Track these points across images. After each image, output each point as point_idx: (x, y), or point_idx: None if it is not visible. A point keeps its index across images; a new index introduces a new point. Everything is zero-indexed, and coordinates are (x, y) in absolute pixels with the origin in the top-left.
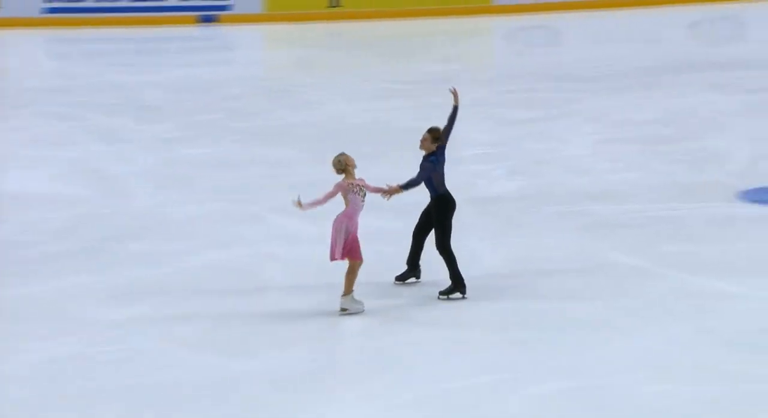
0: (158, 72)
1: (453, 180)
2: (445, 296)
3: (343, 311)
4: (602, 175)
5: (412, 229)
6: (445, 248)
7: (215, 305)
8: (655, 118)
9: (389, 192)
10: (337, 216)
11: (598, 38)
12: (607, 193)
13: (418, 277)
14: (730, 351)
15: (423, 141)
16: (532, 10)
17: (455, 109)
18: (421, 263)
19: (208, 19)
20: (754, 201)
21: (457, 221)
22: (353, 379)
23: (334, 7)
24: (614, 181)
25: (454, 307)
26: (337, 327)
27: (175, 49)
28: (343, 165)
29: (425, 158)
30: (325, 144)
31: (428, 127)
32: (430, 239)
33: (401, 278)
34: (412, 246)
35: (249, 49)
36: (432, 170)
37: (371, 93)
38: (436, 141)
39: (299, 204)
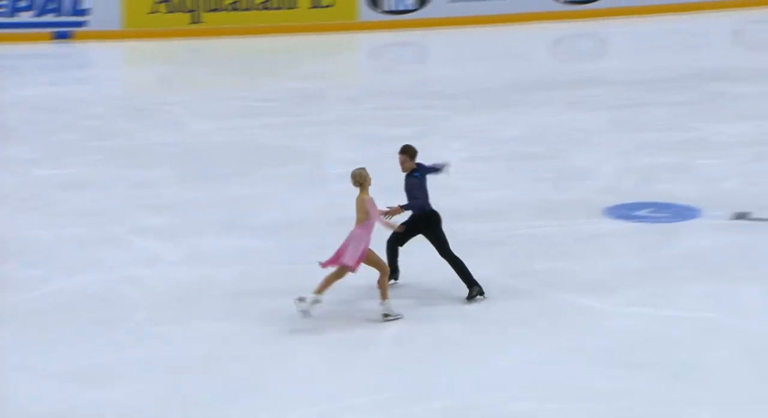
0: (13, 91)
1: (319, 200)
2: (472, 298)
3: (387, 316)
4: (470, 194)
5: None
6: (449, 256)
7: (76, 332)
8: (521, 136)
9: (390, 213)
10: (357, 230)
11: (465, 55)
12: (476, 211)
13: (396, 278)
14: (597, 368)
15: (402, 163)
16: (398, 26)
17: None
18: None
19: (63, 36)
20: (620, 217)
21: (323, 241)
22: (218, 402)
23: (196, 23)
24: (482, 199)
25: (328, 327)
26: (195, 353)
27: (30, 67)
28: (362, 179)
29: (409, 176)
30: (188, 163)
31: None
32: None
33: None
34: (388, 254)
35: (108, 66)
36: (419, 186)
37: (235, 111)
38: (414, 157)
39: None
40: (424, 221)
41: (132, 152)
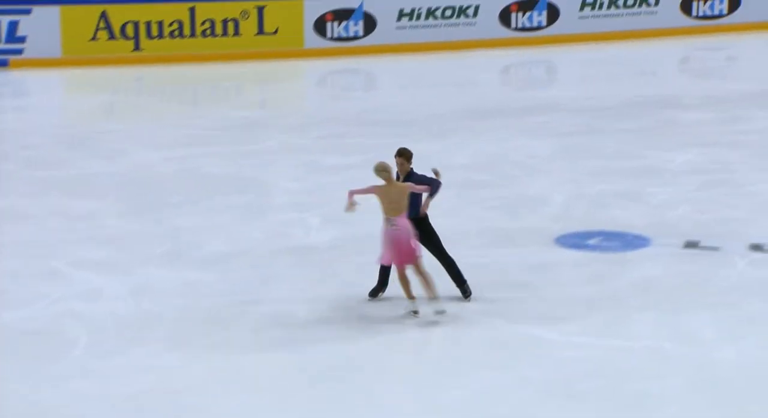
0: None
1: (266, 230)
2: (469, 295)
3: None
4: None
5: None
6: (444, 256)
7: (16, 368)
8: (470, 163)
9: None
10: (405, 221)
11: (413, 82)
12: None
13: (384, 292)
14: (548, 399)
15: (400, 166)
16: (345, 53)
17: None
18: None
19: None
20: (571, 246)
21: (271, 271)
22: None
23: (137, 50)
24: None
25: (269, 359)
26: (138, 387)
27: None
28: (389, 170)
29: (410, 177)
30: (130, 194)
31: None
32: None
33: (373, 294)
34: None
35: (47, 95)
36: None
37: (179, 139)
38: (410, 160)
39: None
40: (421, 225)
41: (72, 183)
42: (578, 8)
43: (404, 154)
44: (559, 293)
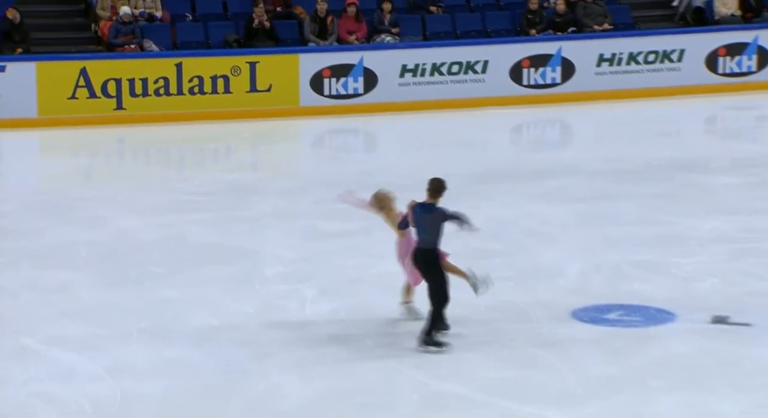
0: None
1: (256, 303)
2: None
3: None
4: (423, 295)
5: None
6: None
7: None
8: (480, 231)
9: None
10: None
11: (416, 143)
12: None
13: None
14: None
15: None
16: (343, 112)
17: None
18: None
19: None
20: (588, 321)
21: (262, 348)
22: None
23: (119, 109)
24: None
25: None
26: None
27: None
28: (386, 201)
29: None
30: (108, 264)
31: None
32: None
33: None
34: None
35: (19, 158)
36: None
37: (163, 205)
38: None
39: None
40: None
41: (45, 253)
42: (595, 63)
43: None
44: (576, 371)
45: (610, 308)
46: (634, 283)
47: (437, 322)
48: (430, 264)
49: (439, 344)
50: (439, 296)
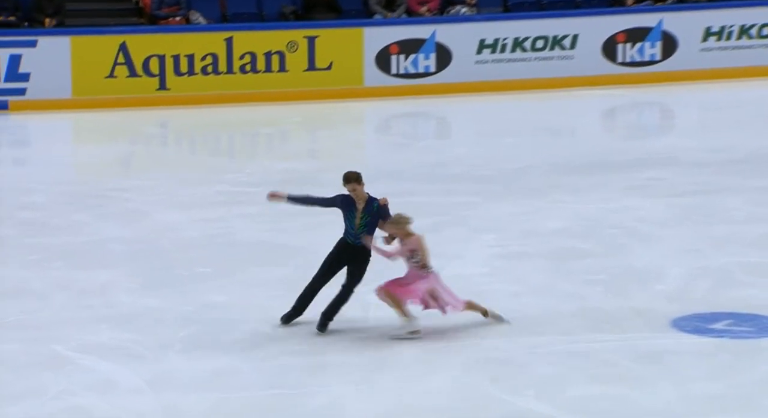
0: None
1: (311, 309)
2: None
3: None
4: (501, 300)
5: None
6: (350, 291)
7: None
8: (567, 228)
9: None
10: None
11: (495, 129)
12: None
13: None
14: None
15: (353, 191)
16: (413, 93)
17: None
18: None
19: None
20: (690, 331)
21: (319, 358)
22: None
23: (162, 90)
24: (517, 307)
25: None
26: None
27: None
28: (404, 223)
29: (376, 207)
30: (149, 264)
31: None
32: None
33: (287, 319)
34: (309, 296)
35: (52, 144)
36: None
37: (209, 198)
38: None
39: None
40: (362, 255)
41: (80, 251)
42: (700, 38)
43: (353, 178)
44: (677, 388)
45: (716, 316)
46: (744, 288)
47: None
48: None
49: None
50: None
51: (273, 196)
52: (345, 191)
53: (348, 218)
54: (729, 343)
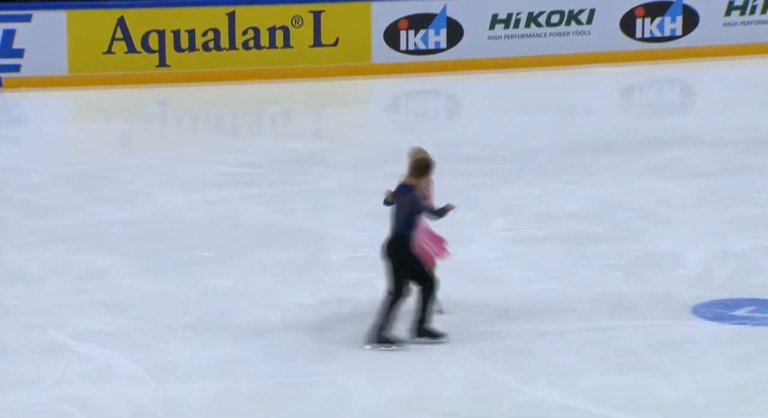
0: None
1: (319, 294)
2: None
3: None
4: (515, 286)
5: None
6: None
7: None
8: (583, 211)
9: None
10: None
11: (508, 107)
12: (523, 308)
13: None
14: None
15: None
16: (423, 70)
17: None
18: None
19: None
20: (712, 318)
21: (326, 346)
22: None
23: (162, 66)
24: (532, 292)
25: None
26: None
27: None
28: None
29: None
30: (151, 247)
31: None
32: None
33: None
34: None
35: (48, 123)
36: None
37: (211, 179)
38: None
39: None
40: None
41: (76, 234)
42: (723, 13)
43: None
44: (698, 378)
45: (739, 303)
46: (767, 273)
47: (391, 319)
48: (396, 252)
49: (392, 342)
50: (398, 291)
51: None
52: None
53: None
54: (752, 331)
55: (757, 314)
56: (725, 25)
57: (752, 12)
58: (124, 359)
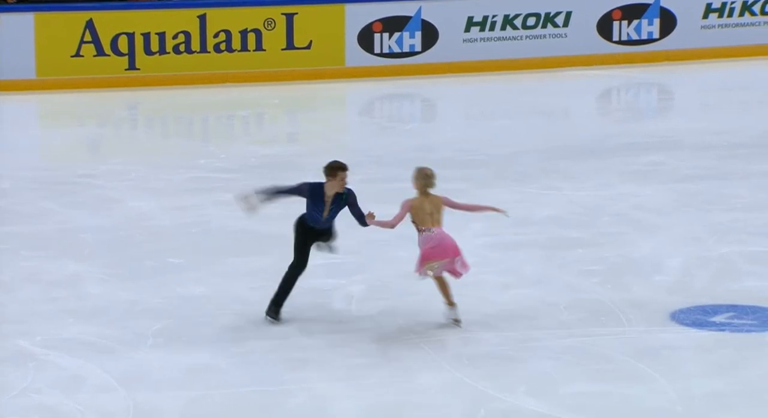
0: None
1: (293, 299)
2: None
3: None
4: (492, 292)
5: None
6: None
7: None
8: (560, 216)
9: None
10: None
11: (485, 112)
12: (499, 315)
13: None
14: None
15: (341, 181)
16: (398, 73)
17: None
18: None
19: None
20: (691, 324)
21: (300, 354)
22: None
23: (132, 69)
24: (508, 299)
25: None
26: None
27: None
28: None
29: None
30: (123, 254)
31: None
32: None
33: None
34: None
35: (15, 127)
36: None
37: (183, 185)
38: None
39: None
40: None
41: (46, 240)
42: (700, 15)
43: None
44: (678, 385)
45: (718, 309)
46: (747, 279)
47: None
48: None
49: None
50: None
51: (245, 203)
52: (312, 179)
53: (316, 207)
54: (731, 337)
55: (736, 320)
56: (703, 27)
57: (730, 15)
58: (93, 368)
